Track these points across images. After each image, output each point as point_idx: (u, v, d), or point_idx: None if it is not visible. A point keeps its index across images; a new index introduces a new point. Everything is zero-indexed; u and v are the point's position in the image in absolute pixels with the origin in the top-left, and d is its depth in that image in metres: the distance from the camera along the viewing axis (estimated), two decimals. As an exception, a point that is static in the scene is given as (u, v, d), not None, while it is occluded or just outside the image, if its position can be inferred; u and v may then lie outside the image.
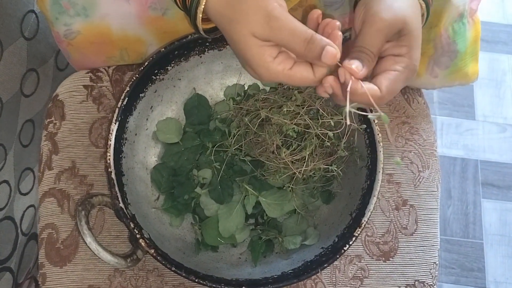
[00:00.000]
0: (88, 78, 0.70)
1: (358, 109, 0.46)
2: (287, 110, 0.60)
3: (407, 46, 0.47)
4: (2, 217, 0.77)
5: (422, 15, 0.51)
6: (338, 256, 0.57)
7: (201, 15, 0.48)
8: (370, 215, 0.58)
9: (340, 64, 0.45)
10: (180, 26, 0.63)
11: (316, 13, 0.47)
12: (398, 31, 0.47)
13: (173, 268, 0.56)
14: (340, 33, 0.45)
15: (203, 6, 0.47)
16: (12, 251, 0.80)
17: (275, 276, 0.59)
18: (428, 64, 0.67)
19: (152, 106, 0.66)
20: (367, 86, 0.44)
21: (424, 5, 0.50)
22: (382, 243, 0.65)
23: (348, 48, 0.49)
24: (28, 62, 0.77)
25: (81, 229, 0.56)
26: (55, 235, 0.64)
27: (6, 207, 0.77)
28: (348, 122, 0.44)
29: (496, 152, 1.35)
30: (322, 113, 0.60)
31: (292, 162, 0.60)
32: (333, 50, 0.43)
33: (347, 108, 0.44)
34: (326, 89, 0.46)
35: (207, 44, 0.65)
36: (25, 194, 0.83)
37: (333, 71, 0.46)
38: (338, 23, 0.45)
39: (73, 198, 0.66)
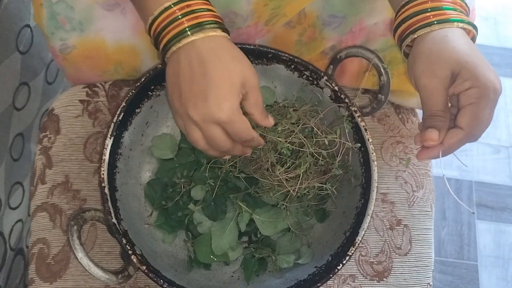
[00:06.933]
0: (85, 93, 0.70)
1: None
2: (281, 129, 0.60)
3: (469, 80, 0.48)
4: (-8, 232, 0.76)
5: (473, 37, 0.52)
6: (331, 276, 0.57)
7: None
8: (364, 234, 0.58)
9: None
10: None
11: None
12: (451, 75, 0.49)
13: (165, 285, 0.55)
14: None
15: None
16: (0, 267, 0.79)
17: (268, 295, 0.58)
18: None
19: (147, 122, 0.66)
20: (450, 135, 0.50)
21: (472, 28, 0.51)
22: (376, 263, 0.65)
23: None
24: (21, 76, 0.77)
25: (73, 244, 0.55)
26: (46, 250, 0.64)
27: (-4, 222, 0.76)
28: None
29: (490, 173, 1.35)
30: (316, 131, 0.61)
31: (287, 180, 0.60)
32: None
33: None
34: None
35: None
36: (14, 209, 0.82)
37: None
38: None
39: (65, 213, 0.65)
